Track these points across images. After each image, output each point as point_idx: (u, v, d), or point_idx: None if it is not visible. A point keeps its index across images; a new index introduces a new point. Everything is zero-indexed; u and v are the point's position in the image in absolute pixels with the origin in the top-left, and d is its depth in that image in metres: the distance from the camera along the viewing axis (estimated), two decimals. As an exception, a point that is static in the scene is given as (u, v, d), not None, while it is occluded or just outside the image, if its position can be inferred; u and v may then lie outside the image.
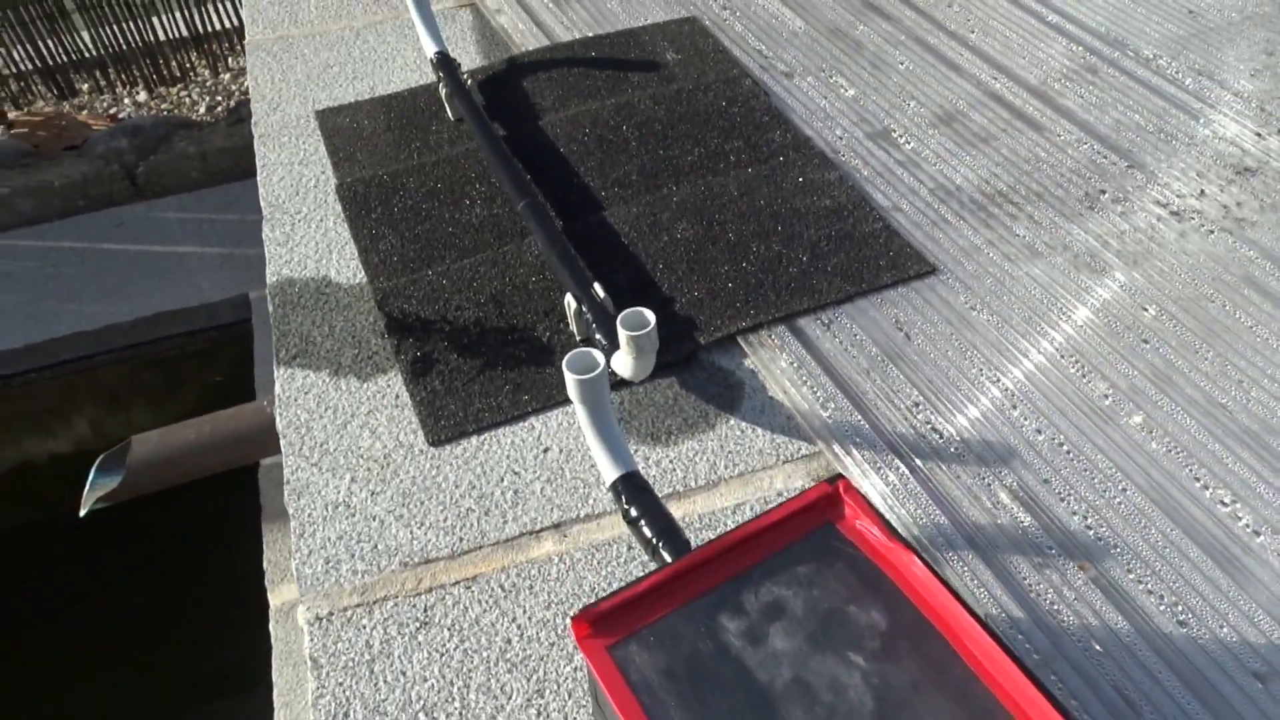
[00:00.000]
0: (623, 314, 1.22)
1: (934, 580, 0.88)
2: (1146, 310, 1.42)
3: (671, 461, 1.28)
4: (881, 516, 0.93)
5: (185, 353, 3.12)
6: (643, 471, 1.12)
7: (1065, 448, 1.24)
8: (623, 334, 1.21)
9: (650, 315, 1.21)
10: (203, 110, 3.93)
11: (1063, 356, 1.36)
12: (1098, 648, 1.03)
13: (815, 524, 0.94)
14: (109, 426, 3.17)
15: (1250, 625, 1.04)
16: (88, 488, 1.64)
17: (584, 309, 1.37)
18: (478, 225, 1.66)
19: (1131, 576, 1.10)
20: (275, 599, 1.94)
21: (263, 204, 1.75)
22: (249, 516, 2.20)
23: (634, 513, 1.06)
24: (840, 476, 0.97)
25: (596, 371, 1.09)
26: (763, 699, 0.82)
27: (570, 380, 1.09)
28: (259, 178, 1.81)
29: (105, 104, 4.01)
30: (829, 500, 0.95)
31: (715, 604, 0.89)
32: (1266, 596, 1.07)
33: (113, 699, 3.18)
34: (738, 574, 0.91)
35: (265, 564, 2.07)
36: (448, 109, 1.90)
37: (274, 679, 1.88)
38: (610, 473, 1.11)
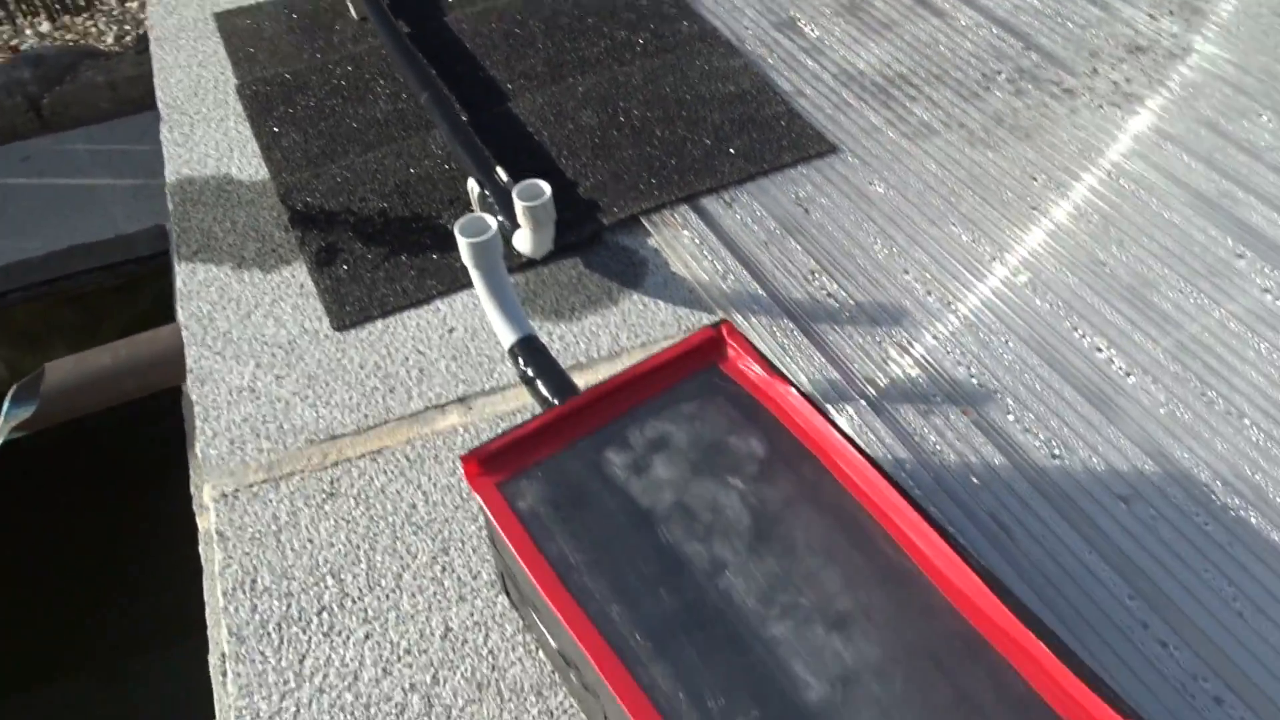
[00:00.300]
0: (518, 186, 1.22)
1: (809, 407, 0.91)
2: (1035, 180, 1.46)
3: (575, 336, 1.29)
4: (762, 355, 0.96)
5: (104, 288, 3.04)
6: (546, 345, 1.13)
7: (954, 306, 1.28)
8: (519, 204, 1.22)
9: (545, 186, 1.22)
10: (110, 40, 3.77)
11: (954, 224, 1.40)
12: (975, 481, 1.08)
13: (699, 365, 0.97)
14: (26, 367, 3.08)
15: (1118, 454, 1.10)
16: (2, 418, 1.61)
17: (486, 192, 1.37)
18: (382, 120, 1.63)
19: (1010, 418, 1.15)
20: (203, 523, 1.94)
21: (160, 106, 1.70)
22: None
23: (530, 373, 1.08)
24: (724, 320, 0.99)
25: (489, 234, 1.09)
26: (645, 521, 0.85)
27: (463, 244, 1.10)
28: (155, 81, 1.76)
29: (5, 35, 3.83)
30: (712, 343, 0.98)
31: (601, 441, 0.92)
32: (1135, 430, 1.13)
33: (49, 650, 3.14)
34: (623, 414, 0.94)
35: (192, 489, 2.06)
36: (351, 8, 1.86)
37: (205, 599, 1.88)
38: (507, 337, 1.12)
